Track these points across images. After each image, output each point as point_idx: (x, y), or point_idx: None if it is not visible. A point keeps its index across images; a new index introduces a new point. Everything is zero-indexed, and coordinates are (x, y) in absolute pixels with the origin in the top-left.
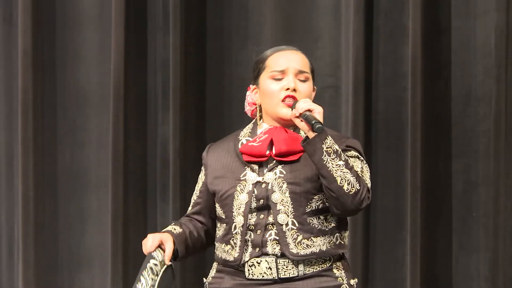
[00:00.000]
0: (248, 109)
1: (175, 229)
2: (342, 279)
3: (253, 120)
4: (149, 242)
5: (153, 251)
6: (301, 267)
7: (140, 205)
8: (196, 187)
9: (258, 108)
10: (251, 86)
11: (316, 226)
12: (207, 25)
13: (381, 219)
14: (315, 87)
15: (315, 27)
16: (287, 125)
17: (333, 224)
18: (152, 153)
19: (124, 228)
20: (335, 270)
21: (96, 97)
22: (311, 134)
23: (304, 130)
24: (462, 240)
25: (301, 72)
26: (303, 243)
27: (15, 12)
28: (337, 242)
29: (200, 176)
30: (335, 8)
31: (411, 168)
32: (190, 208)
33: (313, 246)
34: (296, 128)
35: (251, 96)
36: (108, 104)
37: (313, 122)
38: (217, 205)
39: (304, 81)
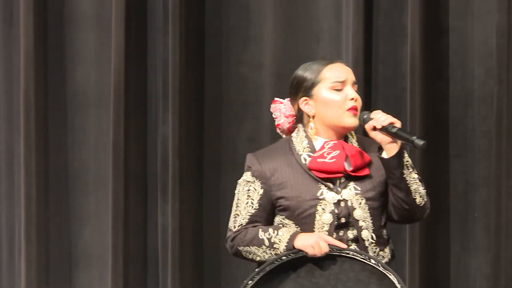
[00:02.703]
0: (284, 121)
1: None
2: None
3: (296, 134)
4: (323, 244)
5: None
6: None
7: (140, 204)
8: (247, 201)
9: (312, 120)
10: (280, 101)
11: (386, 237)
12: (207, 25)
13: None
14: None
15: (315, 28)
16: (342, 135)
17: (388, 232)
18: (152, 153)
19: (124, 228)
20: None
21: (96, 97)
22: (388, 148)
23: (382, 143)
24: (463, 240)
25: (355, 83)
26: (380, 255)
27: (15, 12)
28: (393, 248)
29: (251, 188)
30: (335, 8)
31: None
32: (245, 222)
33: (386, 256)
34: (347, 139)
35: (286, 108)
36: (108, 104)
37: (413, 138)
38: (288, 221)
39: (357, 91)
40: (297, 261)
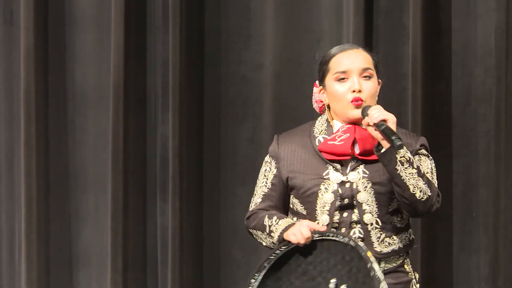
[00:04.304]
0: (316, 106)
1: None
2: (412, 274)
3: (323, 116)
4: (305, 230)
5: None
6: (382, 264)
7: (139, 204)
8: (263, 179)
9: (327, 108)
10: (316, 85)
11: (397, 224)
12: (207, 25)
13: None
14: (380, 81)
15: (316, 27)
16: (358, 123)
17: (407, 221)
18: (152, 153)
19: (124, 228)
20: (406, 266)
21: (96, 96)
22: (383, 144)
23: (378, 138)
24: (463, 240)
25: (364, 69)
26: (386, 241)
27: (15, 12)
28: (410, 238)
29: (267, 168)
30: (336, 8)
31: None
32: (259, 201)
33: (394, 244)
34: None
35: (320, 96)
36: (108, 104)
37: (393, 138)
38: (295, 200)
39: (368, 77)
40: (291, 253)
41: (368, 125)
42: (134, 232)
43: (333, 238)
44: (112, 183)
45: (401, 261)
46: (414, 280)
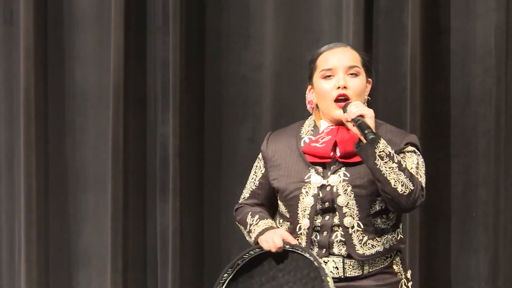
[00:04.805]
0: (309, 107)
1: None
2: (401, 274)
3: (311, 116)
4: (277, 240)
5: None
6: (366, 266)
7: (139, 204)
8: (253, 176)
9: (315, 106)
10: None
11: (380, 226)
12: (207, 25)
13: None
14: (370, 80)
15: (315, 27)
16: (343, 124)
17: (394, 221)
18: (152, 153)
19: (124, 228)
20: (394, 266)
21: (96, 96)
22: (362, 139)
23: (358, 135)
24: (462, 240)
25: (351, 67)
26: (369, 243)
27: (15, 12)
28: (398, 238)
29: (257, 165)
30: (335, 8)
31: None
32: (247, 196)
33: (378, 245)
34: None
35: (309, 95)
36: (108, 104)
37: (366, 132)
38: (280, 203)
39: (355, 75)
40: (265, 255)
41: (347, 121)
42: (134, 232)
43: (301, 253)
44: (112, 183)
45: (388, 262)
46: (404, 280)
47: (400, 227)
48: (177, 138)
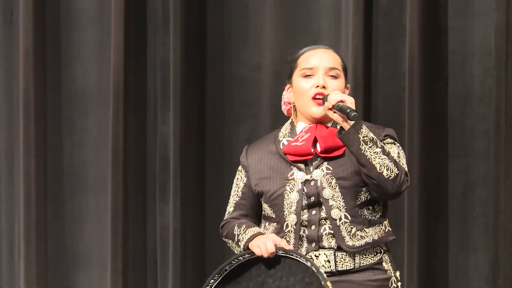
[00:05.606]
0: (284, 108)
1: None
2: (391, 272)
3: (289, 120)
4: (269, 245)
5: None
6: (357, 259)
7: (140, 204)
8: (235, 189)
9: (293, 107)
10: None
11: (367, 216)
12: (207, 25)
13: None
14: (348, 85)
15: (315, 27)
16: (322, 122)
17: (380, 213)
18: (152, 153)
19: (124, 228)
20: (384, 264)
21: (96, 96)
22: (346, 125)
23: (339, 122)
24: (462, 240)
25: (331, 69)
26: (357, 234)
27: (15, 12)
28: (386, 230)
29: (238, 177)
30: (335, 8)
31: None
32: (231, 209)
33: (367, 236)
34: (334, 123)
35: (287, 95)
36: (108, 104)
37: (348, 110)
38: (265, 205)
39: (335, 77)
40: (254, 261)
41: (328, 109)
42: (134, 232)
43: (296, 258)
44: (112, 183)
45: (378, 258)
46: (394, 278)
47: (387, 220)
48: (177, 138)
